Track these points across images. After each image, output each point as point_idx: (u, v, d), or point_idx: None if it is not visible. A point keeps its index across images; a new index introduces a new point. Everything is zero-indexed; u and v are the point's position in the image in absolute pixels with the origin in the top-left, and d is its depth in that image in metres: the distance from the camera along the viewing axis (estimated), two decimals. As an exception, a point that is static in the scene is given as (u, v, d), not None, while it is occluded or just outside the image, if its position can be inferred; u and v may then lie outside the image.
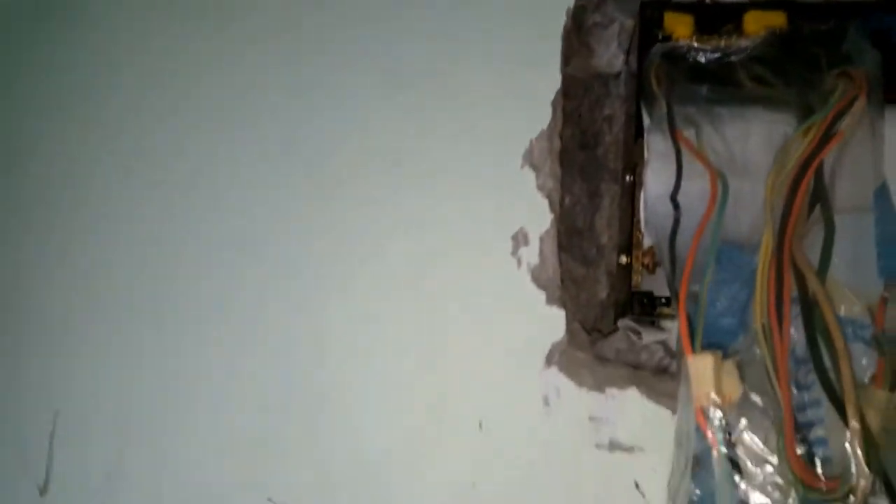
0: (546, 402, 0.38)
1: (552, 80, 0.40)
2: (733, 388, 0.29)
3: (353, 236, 0.41)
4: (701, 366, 0.29)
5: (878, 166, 0.33)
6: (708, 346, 0.35)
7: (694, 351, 0.30)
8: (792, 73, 0.39)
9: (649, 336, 0.40)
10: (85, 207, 0.47)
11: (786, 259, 0.34)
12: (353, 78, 0.42)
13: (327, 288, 0.41)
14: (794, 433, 0.30)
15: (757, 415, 0.31)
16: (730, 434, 0.29)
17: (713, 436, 0.29)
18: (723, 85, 0.40)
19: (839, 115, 0.33)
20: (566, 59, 0.44)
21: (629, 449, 0.37)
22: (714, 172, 0.35)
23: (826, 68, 0.37)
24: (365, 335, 0.40)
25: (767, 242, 0.34)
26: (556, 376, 0.38)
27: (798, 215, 0.33)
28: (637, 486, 0.37)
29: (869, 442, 0.27)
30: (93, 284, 0.46)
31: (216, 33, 0.45)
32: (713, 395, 0.28)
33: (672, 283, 0.32)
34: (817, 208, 0.35)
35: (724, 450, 0.29)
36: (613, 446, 0.37)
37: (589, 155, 0.47)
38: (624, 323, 0.41)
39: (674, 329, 0.38)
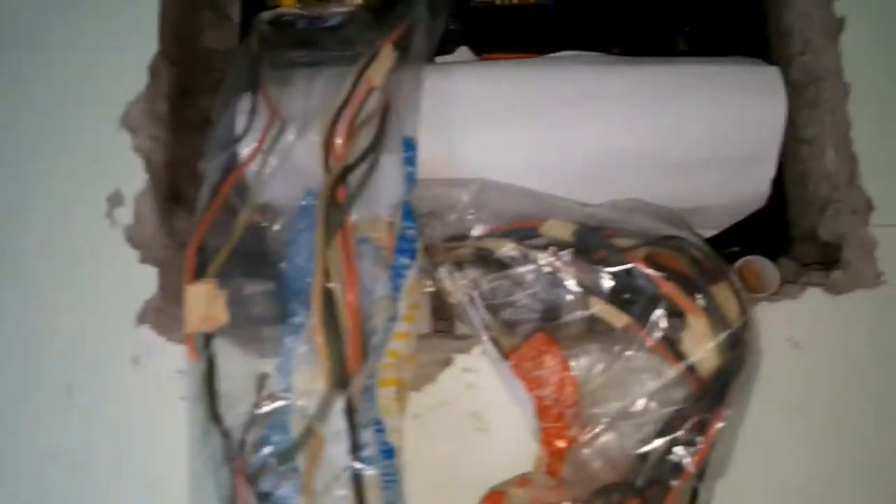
0: (136, 360, 0.38)
1: (149, 47, 0.42)
2: (222, 313, 0.31)
3: None
4: (195, 293, 0.31)
5: (406, 114, 0.37)
6: (299, 292, 0.38)
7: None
8: (372, 34, 0.43)
9: (251, 287, 0.42)
10: None
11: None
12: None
13: None
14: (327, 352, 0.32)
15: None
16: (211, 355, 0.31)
17: (196, 355, 0.31)
18: (317, 48, 0.44)
19: (366, 66, 0.37)
20: (180, 34, 0.45)
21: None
22: (272, 118, 0.38)
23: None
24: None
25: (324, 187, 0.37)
26: (147, 334, 0.38)
27: (340, 159, 0.37)
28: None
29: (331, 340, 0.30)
30: None
31: None
32: (200, 320, 0.30)
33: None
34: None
35: (203, 368, 0.31)
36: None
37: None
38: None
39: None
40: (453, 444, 0.37)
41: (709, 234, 0.44)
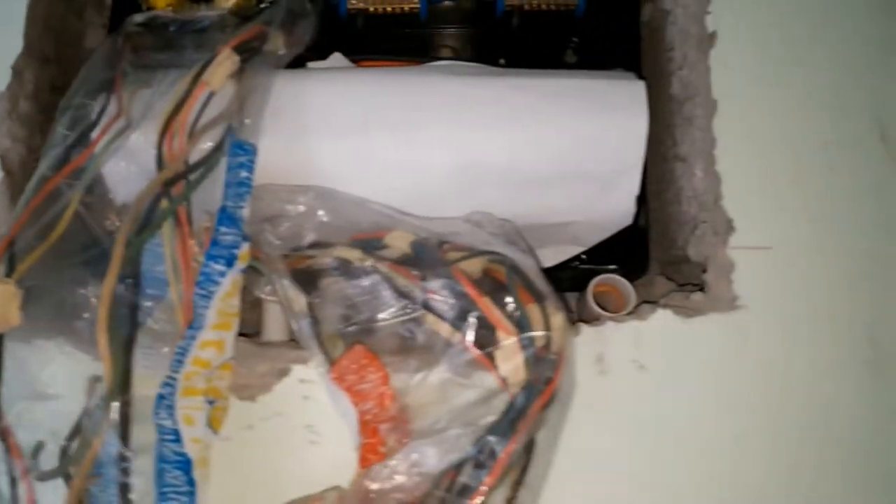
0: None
1: (16, 45, 0.41)
2: (14, 314, 0.30)
3: None
4: None
5: (247, 118, 0.36)
6: (150, 297, 0.37)
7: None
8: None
9: (94, 289, 0.41)
10: None
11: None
12: None
13: None
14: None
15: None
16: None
17: None
18: (181, 51, 0.43)
19: (203, 69, 0.36)
20: (59, 34, 0.45)
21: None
22: (112, 121, 0.37)
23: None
24: None
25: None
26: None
27: (174, 160, 0.36)
28: None
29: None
30: None
31: None
32: None
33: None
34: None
35: None
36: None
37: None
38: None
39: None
40: (285, 457, 0.36)
41: (580, 249, 0.44)
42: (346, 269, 0.35)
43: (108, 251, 0.37)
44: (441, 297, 0.32)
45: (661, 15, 0.46)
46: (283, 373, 0.38)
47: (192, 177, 0.36)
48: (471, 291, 0.31)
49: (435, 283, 0.33)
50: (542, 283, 0.31)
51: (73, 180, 0.35)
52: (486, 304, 0.30)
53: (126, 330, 0.29)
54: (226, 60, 0.36)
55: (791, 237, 0.37)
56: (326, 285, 0.36)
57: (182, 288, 0.35)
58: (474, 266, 0.34)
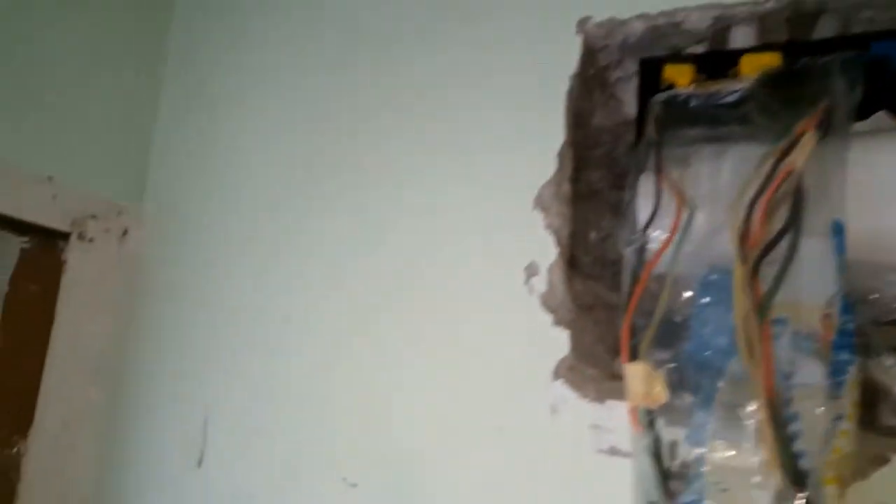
0: (554, 410, 0.43)
1: (558, 135, 0.47)
2: (661, 392, 0.33)
3: (390, 272, 0.51)
4: (634, 372, 0.34)
5: (834, 199, 0.35)
6: (704, 365, 0.39)
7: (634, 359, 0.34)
8: (776, 110, 0.41)
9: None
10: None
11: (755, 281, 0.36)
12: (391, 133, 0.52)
13: (383, 321, 0.51)
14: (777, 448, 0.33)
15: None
16: (654, 427, 0.33)
17: (641, 428, 0.33)
18: (714, 126, 0.44)
19: (787, 151, 0.35)
20: (577, 116, 0.50)
21: (627, 454, 0.40)
22: (681, 204, 0.39)
23: (806, 105, 0.40)
24: (409, 354, 0.49)
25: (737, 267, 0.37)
26: (561, 388, 0.43)
27: (757, 242, 0.36)
28: (634, 488, 0.40)
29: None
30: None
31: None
32: (642, 396, 0.32)
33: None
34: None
35: (647, 440, 0.33)
36: (613, 452, 0.41)
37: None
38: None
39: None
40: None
41: None
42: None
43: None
44: None
45: None
46: (880, 460, 0.36)
47: (776, 258, 0.37)
48: None
49: None
50: None
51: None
52: None
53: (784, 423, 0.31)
54: (809, 141, 0.36)
55: None
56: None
57: (756, 365, 0.36)
58: None
